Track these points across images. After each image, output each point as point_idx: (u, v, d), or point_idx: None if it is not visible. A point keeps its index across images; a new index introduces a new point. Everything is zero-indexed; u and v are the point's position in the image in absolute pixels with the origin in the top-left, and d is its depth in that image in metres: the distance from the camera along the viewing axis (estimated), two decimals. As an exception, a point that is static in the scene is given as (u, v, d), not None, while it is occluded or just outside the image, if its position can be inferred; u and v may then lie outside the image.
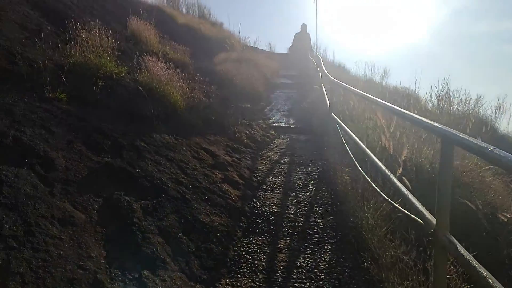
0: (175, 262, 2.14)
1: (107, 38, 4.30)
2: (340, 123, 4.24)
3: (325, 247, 2.58)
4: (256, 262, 2.40)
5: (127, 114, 3.58)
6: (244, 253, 2.51)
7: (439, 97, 5.35)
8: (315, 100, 7.92)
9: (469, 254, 1.35)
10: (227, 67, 8.73)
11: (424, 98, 7.27)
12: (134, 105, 3.74)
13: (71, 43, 3.96)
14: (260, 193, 3.53)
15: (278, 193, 3.56)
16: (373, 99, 3.09)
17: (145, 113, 3.76)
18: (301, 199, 3.41)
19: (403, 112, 2.28)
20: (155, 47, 7.42)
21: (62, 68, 3.63)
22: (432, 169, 3.18)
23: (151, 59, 4.35)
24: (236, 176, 3.67)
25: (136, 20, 7.71)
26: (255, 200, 3.35)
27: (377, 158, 2.86)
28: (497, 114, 6.05)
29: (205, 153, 3.84)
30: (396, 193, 2.42)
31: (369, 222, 2.61)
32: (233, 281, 2.20)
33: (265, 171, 4.17)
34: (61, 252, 1.79)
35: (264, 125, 6.33)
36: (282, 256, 2.47)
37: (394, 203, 2.18)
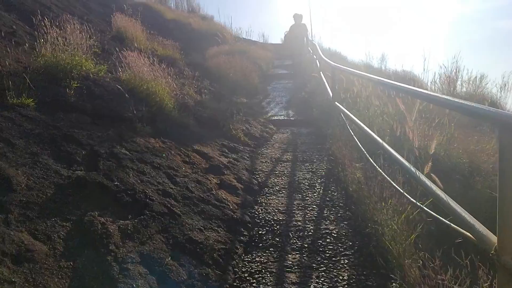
0: (161, 298, 1.74)
1: (81, 34, 3.86)
2: (345, 112, 3.82)
3: (342, 262, 2.18)
4: (261, 286, 2.00)
5: (106, 118, 3.16)
6: (246, 274, 2.11)
7: (449, 77, 4.90)
8: (314, 90, 7.48)
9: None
10: (219, 60, 8.28)
11: (427, 80, 6.88)
12: (114, 106, 3.31)
13: (41, 42, 3.53)
14: (262, 198, 3.13)
15: (282, 196, 3.16)
16: (389, 82, 2.66)
17: (127, 115, 3.34)
18: (309, 202, 3.01)
19: (430, 94, 1.87)
20: (143, 44, 7.00)
21: (31, 71, 3.21)
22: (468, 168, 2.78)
23: (132, 54, 3.91)
24: (233, 179, 3.26)
25: (120, 17, 7.27)
26: (256, 207, 2.95)
27: (395, 150, 2.45)
28: (502, 93, 5.67)
29: (197, 156, 3.43)
30: (423, 194, 2.02)
31: (392, 227, 2.21)
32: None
33: (266, 171, 3.76)
34: (9, 303, 1.40)
35: (262, 120, 5.91)
36: (292, 277, 2.07)
37: (435, 214, 1.76)
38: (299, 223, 2.66)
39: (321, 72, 7.28)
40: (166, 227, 2.19)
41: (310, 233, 2.52)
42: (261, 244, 2.41)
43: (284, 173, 3.69)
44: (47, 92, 3.11)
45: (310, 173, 3.67)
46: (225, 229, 2.46)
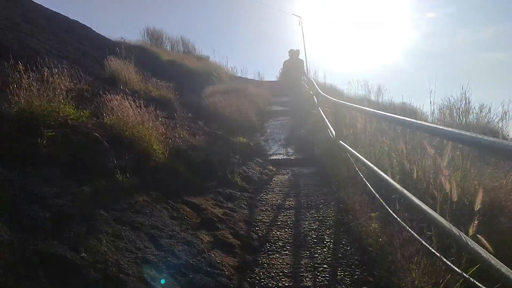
0: None
1: (62, 77, 3.58)
2: (353, 153, 3.45)
3: None
4: None
5: (81, 170, 2.77)
6: None
7: (459, 109, 4.62)
8: (313, 127, 7.21)
9: None
10: (215, 99, 8.10)
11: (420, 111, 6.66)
12: (92, 156, 2.94)
13: (14, 88, 3.23)
14: (263, 257, 2.67)
15: (286, 254, 2.70)
16: (398, 118, 2.31)
17: (108, 165, 2.96)
18: (319, 261, 2.55)
19: (446, 129, 1.51)
20: (137, 86, 6.84)
21: (0, 121, 2.89)
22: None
23: (115, 97, 3.61)
24: (229, 235, 2.82)
25: (114, 60, 7.18)
26: (257, 270, 2.48)
27: (419, 199, 2.05)
28: (503, 122, 5.42)
29: (187, 209, 3.01)
30: (470, 259, 1.60)
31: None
32: None
33: (267, 222, 3.32)
34: None
35: (260, 160, 5.54)
36: None
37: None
38: (310, 292, 2.19)
39: (319, 108, 7.05)
40: (142, 313, 1.73)
41: (324, 306, 2.05)
42: (264, 325, 1.94)
43: (288, 224, 3.25)
44: (16, 143, 2.75)
45: (317, 222, 3.23)
46: (218, 306, 1.99)
